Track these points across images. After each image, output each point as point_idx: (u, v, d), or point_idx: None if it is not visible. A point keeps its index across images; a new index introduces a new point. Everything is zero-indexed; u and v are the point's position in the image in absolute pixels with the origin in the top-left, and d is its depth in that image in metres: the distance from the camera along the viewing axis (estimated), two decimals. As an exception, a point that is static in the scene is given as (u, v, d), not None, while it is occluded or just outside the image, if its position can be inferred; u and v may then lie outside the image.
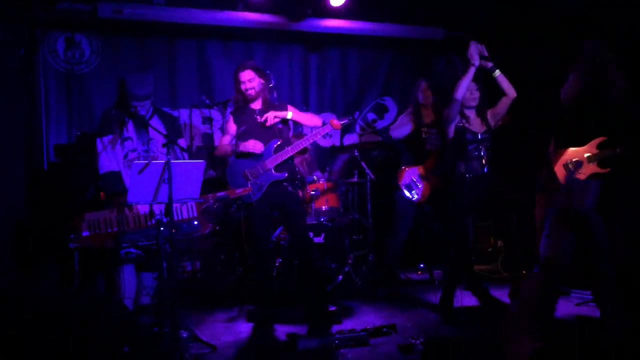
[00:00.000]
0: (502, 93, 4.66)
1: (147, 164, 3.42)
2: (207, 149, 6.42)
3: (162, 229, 3.49)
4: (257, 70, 4.50)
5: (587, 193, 4.28)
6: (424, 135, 5.21)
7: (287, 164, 4.55)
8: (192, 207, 3.98)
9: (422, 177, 5.17)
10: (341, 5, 6.16)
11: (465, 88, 4.53)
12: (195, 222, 3.92)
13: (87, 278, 4.50)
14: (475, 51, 4.49)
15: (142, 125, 4.15)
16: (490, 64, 4.52)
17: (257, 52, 6.64)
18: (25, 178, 5.39)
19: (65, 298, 3.59)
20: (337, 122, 4.54)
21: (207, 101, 5.92)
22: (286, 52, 6.78)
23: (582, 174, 4.76)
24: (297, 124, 5.34)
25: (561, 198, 4.12)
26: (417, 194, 5.12)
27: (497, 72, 4.54)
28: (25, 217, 5.26)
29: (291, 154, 4.51)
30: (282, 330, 4.28)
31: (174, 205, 3.79)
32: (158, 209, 3.58)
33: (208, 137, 6.45)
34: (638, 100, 4.57)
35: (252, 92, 4.47)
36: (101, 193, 4.35)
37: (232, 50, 6.56)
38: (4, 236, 4.91)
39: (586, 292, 4.97)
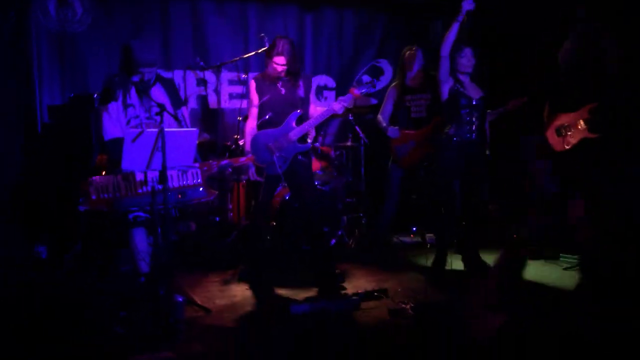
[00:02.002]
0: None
1: (140, 132, 3.43)
2: (201, 111, 6.42)
3: (168, 194, 3.55)
4: (292, 54, 4.40)
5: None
6: (407, 104, 5.22)
7: (307, 134, 4.52)
8: (197, 174, 3.99)
9: (417, 143, 5.20)
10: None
11: (451, 43, 4.48)
12: (201, 189, 3.94)
13: (89, 243, 4.53)
14: (467, 4, 4.39)
15: (145, 92, 4.12)
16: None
17: (251, 13, 6.55)
18: (23, 140, 5.40)
19: (65, 267, 3.63)
20: (357, 92, 4.38)
21: (202, 63, 5.87)
22: (281, 13, 6.69)
23: (573, 138, 4.81)
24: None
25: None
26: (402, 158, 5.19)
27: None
28: (22, 179, 5.29)
29: (314, 125, 4.43)
30: (274, 294, 4.38)
31: (178, 171, 3.82)
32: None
33: (202, 99, 6.43)
34: (632, 68, 4.58)
35: (282, 73, 4.41)
36: (100, 156, 4.32)
37: (227, 10, 6.47)
38: (3, 199, 4.94)
39: (575, 256, 5.07)
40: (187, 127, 4.23)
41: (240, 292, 4.42)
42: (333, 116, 6.30)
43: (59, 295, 3.22)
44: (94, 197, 3.61)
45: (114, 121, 4.04)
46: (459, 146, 4.62)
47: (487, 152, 4.99)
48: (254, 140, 4.48)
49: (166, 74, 5.68)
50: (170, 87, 4.36)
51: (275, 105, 4.44)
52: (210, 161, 4.11)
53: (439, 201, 4.81)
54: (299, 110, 4.43)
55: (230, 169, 5.84)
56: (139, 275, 3.85)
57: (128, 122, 4.08)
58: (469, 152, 4.66)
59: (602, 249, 3.14)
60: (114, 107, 4.06)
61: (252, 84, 4.55)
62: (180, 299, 3.66)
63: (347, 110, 6.02)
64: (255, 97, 4.54)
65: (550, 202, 5.33)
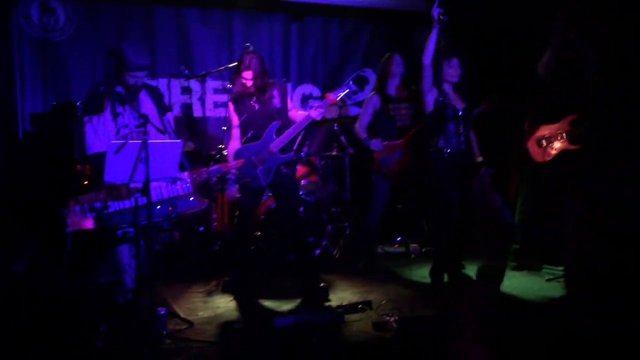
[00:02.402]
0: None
1: (123, 144, 3.39)
2: (186, 120, 6.38)
3: (158, 207, 3.52)
4: (260, 68, 4.44)
5: None
6: (391, 113, 5.20)
7: (290, 144, 4.55)
8: (187, 183, 3.95)
9: (401, 153, 5.19)
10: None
11: (432, 51, 4.49)
12: (192, 199, 3.90)
13: (78, 258, 4.47)
14: (436, 11, 4.44)
15: (134, 99, 4.06)
16: (445, 18, 4.44)
17: (236, 21, 6.54)
18: (4, 148, 5.34)
19: (45, 279, 3.58)
20: (332, 96, 4.43)
21: (186, 72, 5.84)
22: (267, 22, 6.70)
23: (554, 150, 4.85)
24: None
25: None
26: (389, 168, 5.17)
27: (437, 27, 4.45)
28: (6, 188, 5.22)
29: (294, 135, 4.46)
30: (258, 306, 4.36)
31: (167, 181, 3.78)
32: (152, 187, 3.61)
33: (187, 107, 6.39)
34: (611, 77, 4.62)
35: (251, 88, 4.45)
36: (86, 166, 4.22)
37: (212, 19, 6.46)
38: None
39: (557, 267, 5.11)
40: (172, 133, 4.20)
41: (224, 304, 4.39)
42: (316, 124, 6.32)
43: (40, 309, 3.17)
44: (80, 216, 3.57)
45: (99, 135, 3.94)
46: (451, 157, 4.64)
47: (481, 159, 4.99)
48: (237, 155, 4.52)
49: (150, 83, 5.64)
50: (156, 93, 4.33)
51: (253, 121, 4.49)
52: (200, 168, 4.09)
53: (437, 212, 4.80)
54: (277, 122, 4.46)
55: (215, 178, 5.81)
56: (122, 289, 3.81)
57: (118, 132, 4.00)
58: (461, 162, 4.68)
59: (596, 255, 3.15)
60: (100, 119, 3.99)
61: (230, 106, 4.62)
62: (163, 312, 3.63)
63: (332, 120, 6.04)
64: (234, 119, 4.60)
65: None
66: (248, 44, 5.44)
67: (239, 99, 4.56)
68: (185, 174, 3.94)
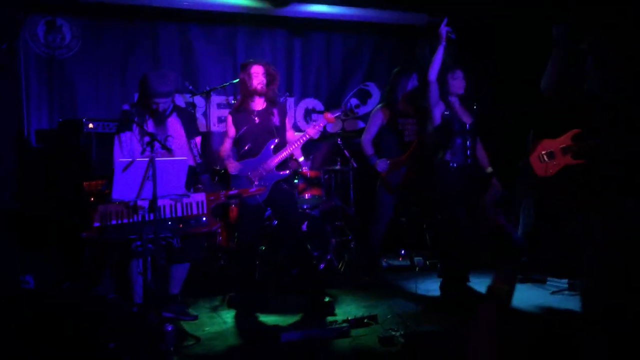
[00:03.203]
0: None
1: (130, 162, 3.44)
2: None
3: (169, 223, 3.63)
4: (266, 64, 4.52)
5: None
6: (399, 127, 5.23)
7: (287, 161, 4.60)
8: (202, 204, 4.00)
9: (407, 168, 5.23)
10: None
11: (437, 67, 4.53)
12: (204, 219, 3.96)
13: (91, 271, 4.49)
14: (444, 29, 4.50)
15: (161, 123, 4.15)
16: (452, 36, 4.51)
17: (240, 37, 6.63)
18: (13, 164, 5.37)
19: (55, 294, 3.61)
20: (330, 116, 4.53)
21: (191, 87, 5.92)
22: (269, 37, 6.78)
23: (556, 165, 4.87)
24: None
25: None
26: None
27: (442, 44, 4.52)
28: (17, 204, 5.25)
29: (291, 152, 4.53)
30: (264, 320, 4.38)
31: (181, 200, 3.86)
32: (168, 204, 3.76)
33: (191, 123, 6.44)
34: (616, 90, 4.65)
35: (261, 86, 4.48)
36: (87, 183, 4.30)
37: (216, 34, 6.54)
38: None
39: (562, 280, 5.12)
40: (197, 156, 4.27)
41: (230, 319, 4.41)
42: (320, 138, 6.36)
43: (48, 325, 3.20)
44: (97, 224, 3.62)
45: (125, 152, 4.09)
46: (458, 171, 4.66)
47: (490, 170, 5.03)
48: (235, 171, 4.56)
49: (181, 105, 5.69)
50: (186, 117, 4.41)
51: (252, 135, 4.54)
52: (219, 192, 4.14)
53: (442, 226, 4.82)
54: (275, 139, 4.52)
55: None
56: (130, 305, 3.83)
57: (143, 152, 4.10)
58: (469, 176, 4.71)
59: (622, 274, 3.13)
60: (127, 137, 4.10)
61: (229, 118, 4.67)
62: (170, 327, 3.64)
63: (335, 134, 6.08)
64: (231, 130, 4.65)
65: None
66: (251, 60, 5.50)
67: (239, 112, 4.59)
68: (202, 195, 3.98)
